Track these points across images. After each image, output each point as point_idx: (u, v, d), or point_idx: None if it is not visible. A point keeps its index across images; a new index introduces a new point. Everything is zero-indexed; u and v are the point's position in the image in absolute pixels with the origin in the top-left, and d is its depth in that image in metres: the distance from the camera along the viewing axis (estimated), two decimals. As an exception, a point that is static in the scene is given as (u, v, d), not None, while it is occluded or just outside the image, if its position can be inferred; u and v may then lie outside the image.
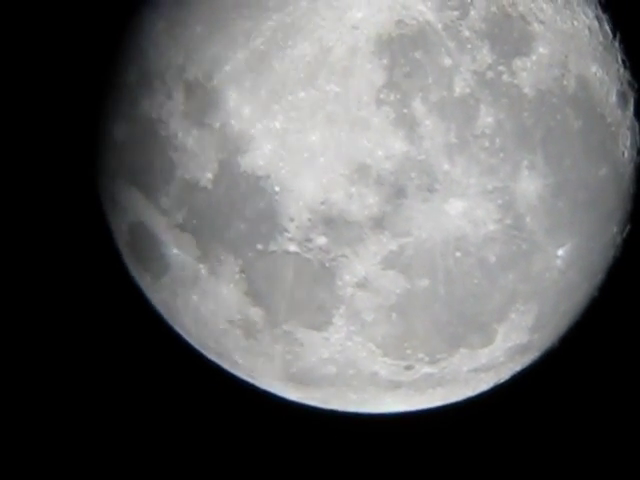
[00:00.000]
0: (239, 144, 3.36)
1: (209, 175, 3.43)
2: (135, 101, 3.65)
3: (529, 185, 3.44)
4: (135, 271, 4.05)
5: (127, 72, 3.71)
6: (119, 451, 5.20)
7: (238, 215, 3.42)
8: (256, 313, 3.60)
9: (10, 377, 5.20)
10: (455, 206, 3.37)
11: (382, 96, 3.29)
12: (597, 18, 3.73)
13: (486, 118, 3.36)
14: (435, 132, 3.31)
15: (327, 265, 3.42)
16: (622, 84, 3.77)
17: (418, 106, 3.30)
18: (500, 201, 3.41)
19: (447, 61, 3.34)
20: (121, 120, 3.73)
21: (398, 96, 3.30)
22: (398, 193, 3.32)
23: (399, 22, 3.34)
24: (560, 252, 3.64)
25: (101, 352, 5.14)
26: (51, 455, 5.25)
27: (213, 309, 3.70)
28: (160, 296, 3.97)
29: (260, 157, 3.34)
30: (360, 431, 4.70)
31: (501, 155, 3.38)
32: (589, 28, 3.68)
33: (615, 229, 3.89)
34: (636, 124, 3.83)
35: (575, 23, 3.64)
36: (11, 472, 5.21)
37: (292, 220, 3.36)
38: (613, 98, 3.71)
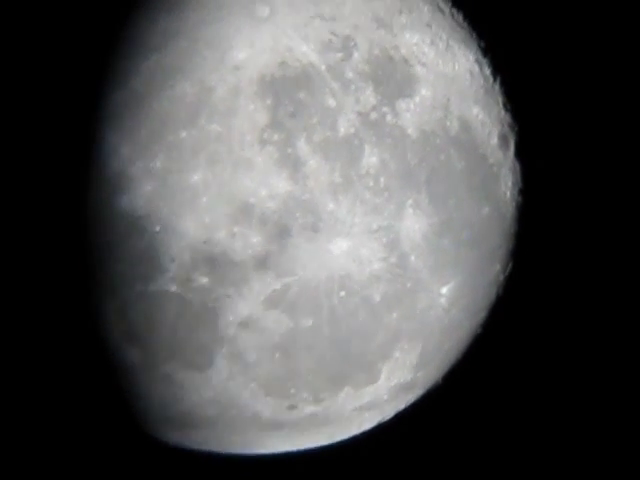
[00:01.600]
0: (117, 183, 3.31)
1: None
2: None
3: (414, 224, 3.47)
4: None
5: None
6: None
7: (116, 255, 3.37)
8: (134, 354, 3.54)
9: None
10: (340, 245, 3.38)
11: (266, 136, 3.29)
12: (477, 62, 3.81)
13: (370, 158, 3.39)
14: (319, 171, 3.33)
15: (209, 305, 3.38)
16: (503, 126, 3.85)
17: (302, 146, 3.31)
18: (385, 240, 3.44)
19: (331, 102, 3.36)
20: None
21: (282, 136, 3.30)
22: (282, 232, 3.32)
23: (282, 63, 3.35)
24: (444, 290, 3.68)
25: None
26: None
27: (89, 350, 3.62)
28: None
29: (139, 197, 3.29)
30: (245, 473, 4.64)
31: (386, 194, 3.41)
32: (470, 71, 3.76)
33: (498, 267, 3.96)
34: (517, 165, 3.91)
35: (456, 66, 3.71)
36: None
37: (173, 260, 3.32)
38: (494, 140, 3.79)
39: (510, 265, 4.05)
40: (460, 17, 3.87)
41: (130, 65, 3.32)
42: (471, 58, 3.80)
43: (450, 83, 3.65)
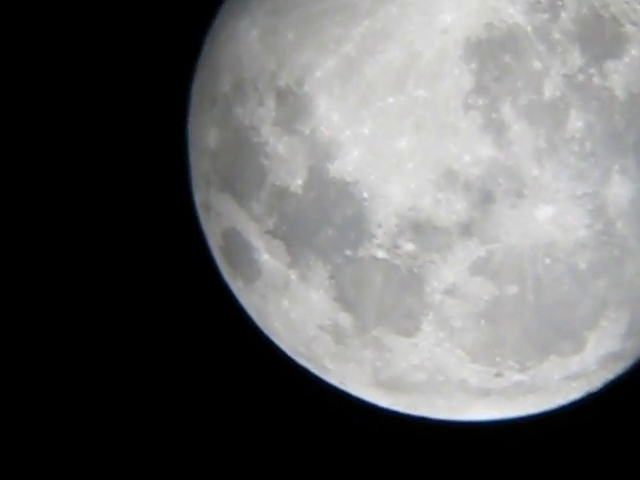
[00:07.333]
0: (328, 150, 3.37)
1: (299, 181, 3.45)
2: (228, 108, 3.70)
3: (620, 190, 3.36)
4: (228, 276, 4.10)
5: (220, 80, 3.78)
6: (209, 460, 5.24)
7: (327, 221, 3.42)
8: (345, 319, 3.60)
9: (99, 380, 5.30)
10: (544, 211, 3.31)
11: (470, 101, 3.25)
12: (693, 19, 3.65)
13: (576, 122, 3.29)
14: (524, 137, 3.26)
15: (415, 271, 3.40)
16: None
17: (507, 110, 3.26)
18: (590, 206, 3.34)
19: (537, 64, 3.29)
20: (215, 127, 3.79)
21: (486, 101, 3.25)
22: (486, 198, 3.28)
23: (488, 25, 3.30)
24: (652, 257, 3.55)
25: (193, 356, 5.21)
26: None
27: (303, 315, 3.71)
28: (252, 301, 4.01)
29: (349, 163, 3.34)
30: (450, 439, 4.66)
31: (591, 159, 3.31)
32: (683, 29, 3.60)
33: None
34: None
35: (669, 24, 3.56)
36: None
37: (380, 226, 3.35)
38: None
39: None
40: (675, -28, 3.71)
41: (343, 31, 3.37)
42: (685, 15, 3.63)
43: (662, 42, 3.50)
